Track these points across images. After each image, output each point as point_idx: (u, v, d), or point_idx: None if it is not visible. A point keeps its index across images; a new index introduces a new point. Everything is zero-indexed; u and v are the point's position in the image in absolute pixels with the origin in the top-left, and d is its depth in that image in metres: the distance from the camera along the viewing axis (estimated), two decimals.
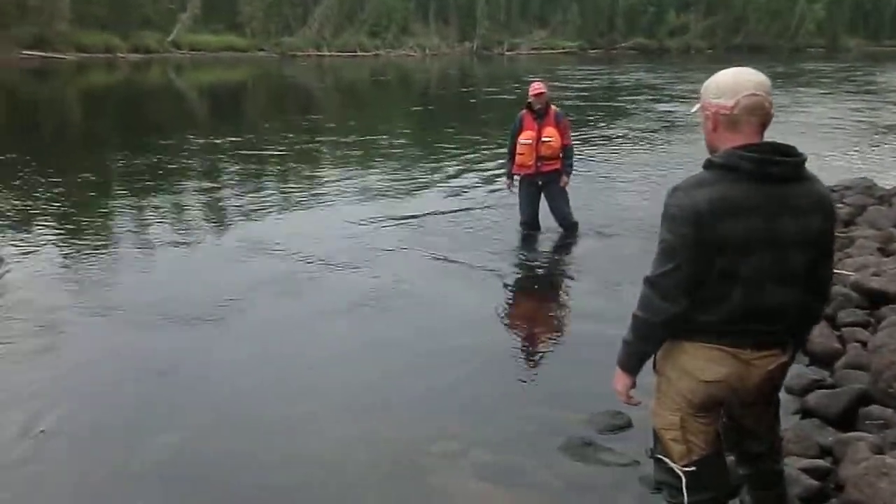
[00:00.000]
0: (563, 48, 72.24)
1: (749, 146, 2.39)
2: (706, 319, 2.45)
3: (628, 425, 4.02)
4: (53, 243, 7.80)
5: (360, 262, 6.99)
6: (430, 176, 11.57)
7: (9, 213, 9.03)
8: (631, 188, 10.51)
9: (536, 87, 7.55)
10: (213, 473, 3.70)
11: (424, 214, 8.85)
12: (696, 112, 2.56)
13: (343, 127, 18.14)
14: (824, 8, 76.37)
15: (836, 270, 5.06)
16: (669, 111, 20.39)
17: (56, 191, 10.37)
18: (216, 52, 54.25)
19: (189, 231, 8.34)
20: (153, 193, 10.29)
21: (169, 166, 12.46)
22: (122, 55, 48.86)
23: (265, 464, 3.74)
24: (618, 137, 15.61)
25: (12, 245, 7.61)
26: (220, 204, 9.78)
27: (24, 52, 45.32)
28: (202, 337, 5.36)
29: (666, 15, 76.99)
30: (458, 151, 13.74)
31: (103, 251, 7.57)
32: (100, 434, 4.07)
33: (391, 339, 5.34)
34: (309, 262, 7.00)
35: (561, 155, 7.66)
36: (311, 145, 15.01)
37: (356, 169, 12.17)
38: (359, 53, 62.14)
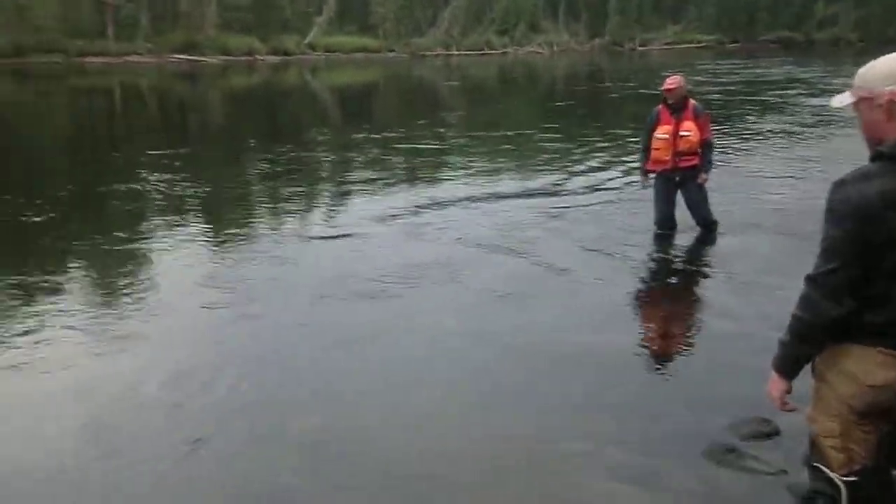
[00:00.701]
0: (699, 42, 69.90)
1: None
2: (872, 320, 2.28)
3: (775, 433, 3.81)
4: (233, 223, 8.64)
5: (504, 252, 7.17)
6: (567, 169, 11.55)
7: (190, 198, 10.05)
8: (778, 184, 10.06)
9: (669, 81, 7.35)
10: (350, 454, 3.77)
11: (559, 208, 8.87)
12: (843, 104, 2.37)
13: (488, 122, 18.54)
14: None
15: None
16: (823, 105, 19.31)
17: (229, 181, 11.54)
18: (349, 53, 55.99)
19: (353, 215, 8.92)
20: (318, 183, 11.27)
21: (326, 158, 13.51)
22: (261, 58, 51.26)
23: (401, 451, 3.79)
24: (767, 132, 15.03)
25: (196, 225, 8.62)
26: (378, 191, 10.39)
27: (174, 55, 48.38)
28: (372, 314, 5.67)
29: (813, 6, 73.04)
30: (596, 146, 13.70)
31: (279, 232, 8.22)
32: (269, 398, 4.37)
33: (528, 331, 5.32)
34: (463, 248, 7.33)
35: (699, 150, 7.40)
36: (460, 139, 15.37)
37: (503, 161, 12.61)
38: (486, 52, 62.46)
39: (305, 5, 57.80)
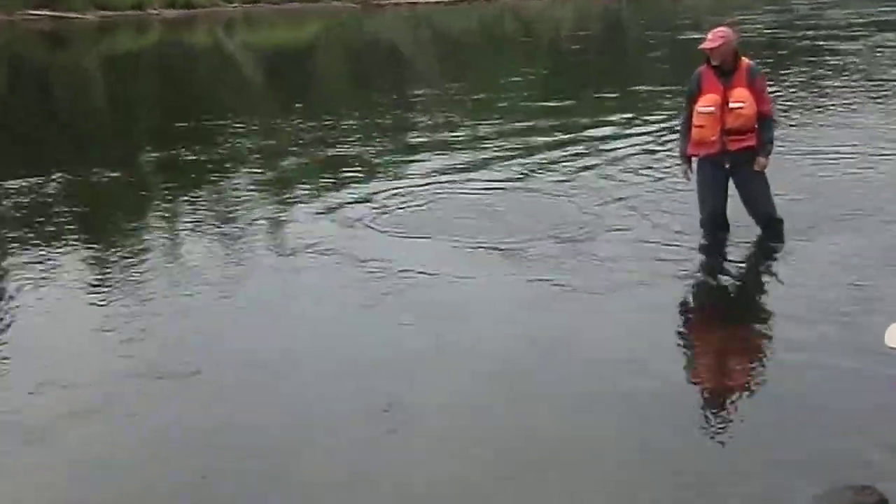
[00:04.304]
0: None
1: None
2: None
3: None
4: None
5: (505, 269, 7.43)
6: (584, 155, 11.81)
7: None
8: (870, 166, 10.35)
9: (713, 36, 7.41)
10: None
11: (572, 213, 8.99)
12: None
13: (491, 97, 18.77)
14: None
15: None
16: None
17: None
18: (277, 3, 55.83)
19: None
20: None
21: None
22: (155, 11, 51.03)
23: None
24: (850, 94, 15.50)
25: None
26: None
27: (31, 12, 48.04)
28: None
29: None
30: (621, 124, 13.98)
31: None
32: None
33: (551, 373, 5.53)
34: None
35: (756, 127, 7.55)
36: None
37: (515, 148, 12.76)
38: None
39: None
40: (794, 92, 16.08)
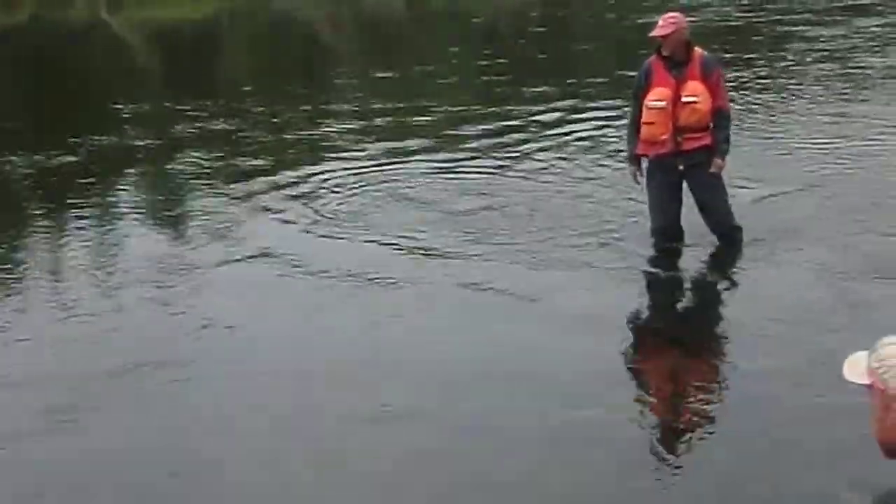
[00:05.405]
0: None
1: None
2: None
3: None
4: None
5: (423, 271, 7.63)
6: (532, 142, 11.97)
7: None
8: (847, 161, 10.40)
9: (664, 22, 7.48)
10: None
11: (502, 206, 9.15)
12: (856, 382, 2.52)
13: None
14: None
15: None
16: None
17: None
18: None
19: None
20: None
21: None
22: None
23: None
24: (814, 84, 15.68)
25: None
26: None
27: None
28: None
29: None
30: (563, 120, 13.84)
31: None
32: None
33: (475, 410, 5.52)
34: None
35: (711, 124, 7.62)
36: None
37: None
38: None
39: None
40: (764, 81, 16.17)
